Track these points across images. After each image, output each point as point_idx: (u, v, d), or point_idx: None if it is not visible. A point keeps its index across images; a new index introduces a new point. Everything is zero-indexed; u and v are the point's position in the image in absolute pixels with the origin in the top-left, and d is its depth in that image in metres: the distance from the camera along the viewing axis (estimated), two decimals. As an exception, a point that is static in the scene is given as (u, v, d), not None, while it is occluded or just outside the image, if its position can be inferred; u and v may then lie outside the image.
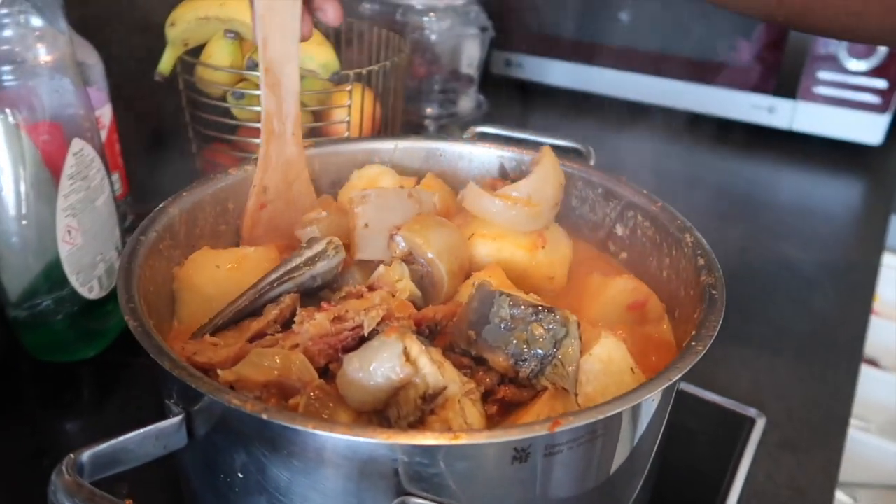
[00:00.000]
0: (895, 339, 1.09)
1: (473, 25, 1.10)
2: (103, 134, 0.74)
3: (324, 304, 0.44)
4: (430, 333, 0.46)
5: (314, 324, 0.42)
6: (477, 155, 0.67)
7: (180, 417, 0.38)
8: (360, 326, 0.43)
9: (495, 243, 0.55)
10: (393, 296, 0.45)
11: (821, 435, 0.67)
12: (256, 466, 0.37)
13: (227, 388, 0.35)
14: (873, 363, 1.06)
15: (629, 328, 0.49)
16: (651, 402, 0.39)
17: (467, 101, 1.15)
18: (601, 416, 0.34)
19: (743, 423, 0.66)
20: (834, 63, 1.17)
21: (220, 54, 0.81)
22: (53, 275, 0.62)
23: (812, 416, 0.69)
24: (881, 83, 1.15)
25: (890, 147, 1.27)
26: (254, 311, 0.46)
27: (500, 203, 0.55)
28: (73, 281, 0.63)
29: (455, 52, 1.10)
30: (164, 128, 0.94)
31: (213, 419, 0.38)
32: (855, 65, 1.15)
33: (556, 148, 0.65)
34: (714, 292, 0.45)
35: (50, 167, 0.60)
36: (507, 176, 0.67)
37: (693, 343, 0.40)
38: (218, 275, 0.51)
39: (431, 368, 0.37)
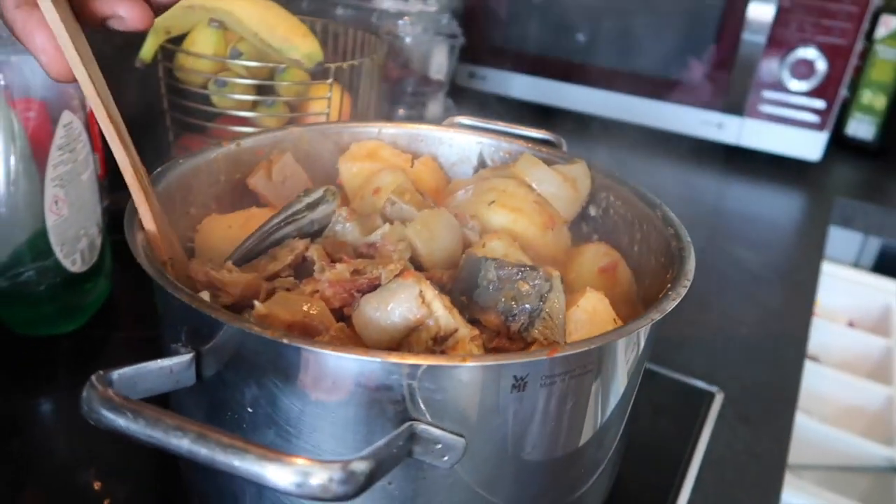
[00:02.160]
0: (834, 339, 1.17)
1: (444, 32, 1.15)
2: (87, 110, 0.75)
3: (344, 258, 0.47)
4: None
5: (335, 272, 0.44)
6: (457, 141, 0.70)
7: (191, 355, 0.40)
8: (378, 278, 0.45)
9: (512, 214, 0.57)
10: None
11: (773, 409, 0.72)
12: (267, 399, 0.39)
13: (246, 318, 0.37)
14: (814, 359, 1.14)
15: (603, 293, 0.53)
16: (633, 340, 0.42)
17: (436, 106, 1.19)
18: (593, 346, 0.38)
19: (703, 398, 0.71)
20: (778, 83, 1.25)
21: (203, 43, 0.83)
22: (38, 244, 0.62)
23: (764, 393, 0.74)
24: (820, 103, 1.24)
25: (828, 163, 1.36)
26: (259, 252, 0.49)
27: (553, 176, 0.60)
28: (58, 252, 0.63)
29: (426, 57, 1.14)
30: (142, 115, 0.95)
31: (225, 355, 0.39)
32: (796, 85, 1.24)
33: (529, 139, 0.70)
34: (684, 254, 0.49)
35: (38, 140, 0.61)
36: (485, 163, 0.71)
37: (670, 292, 0.44)
38: (231, 233, 0.53)
39: (444, 312, 0.40)
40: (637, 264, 0.58)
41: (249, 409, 0.39)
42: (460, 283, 0.47)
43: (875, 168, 1.43)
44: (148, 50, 0.85)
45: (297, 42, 0.81)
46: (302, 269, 0.47)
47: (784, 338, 0.85)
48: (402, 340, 0.40)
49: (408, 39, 1.09)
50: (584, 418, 0.43)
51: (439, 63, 1.17)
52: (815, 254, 1.08)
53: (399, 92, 1.14)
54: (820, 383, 1.04)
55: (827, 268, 1.26)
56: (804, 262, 1.05)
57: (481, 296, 0.45)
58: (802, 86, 1.24)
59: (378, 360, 0.35)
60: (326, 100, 0.87)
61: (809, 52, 1.21)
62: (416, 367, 0.35)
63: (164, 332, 0.44)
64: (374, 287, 0.43)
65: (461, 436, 0.38)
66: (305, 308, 0.41)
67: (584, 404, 0.42)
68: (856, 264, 1.41)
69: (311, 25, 0.98)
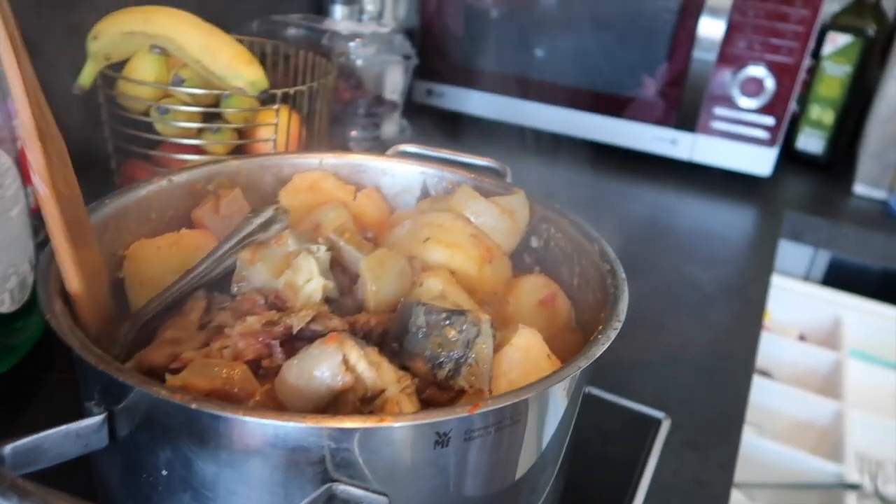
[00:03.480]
0: (785, 353, 1.18)
1: (397, 53, 1.14)
2: (18, 145, 0.73)
3: (256, 309, 0.46)
4: (364, 337, 0.47)
5: (245, 325, 0.43)
6: (400, 171, 0.69)
7: (102, 416, 0.38)
8: (291, 327, 0.44)
9: (448, 250, 0.56)
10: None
11: (719, 434, 0.73)
12: (182, 462, 0.37)
13: (155, 381, 0.36)
14: (766, 374, 1.15)
15: (541, 328, 0.52)
16: (561, 388, 0.42)
17: (391, 126, 1.19)
18: (517, 399, 0.37)
19: (650, 425, 0.71)
20: (728, 100, 1.27)
21: (145, 69, 0.81)
22: (-38, 285, 0.60)
23: (712, 418, 0.75)
24: (769, 120, 1.26)
25: (778, 178, 1.39)
26: (211, 279, 0.48)
27: (491, 208, 0.59)
28: (-16, 292, 0.61)
29: (379, 78, 1.13)
30: (82, 143, 0.93)
31: (137, 416, 0.38)
32: (746, 102, 1.26)
33: (474, 167, 0.69)
34: (618, 292, 0.49)
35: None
36: (428, 193, 0.70)
37: (599, 336, 0.43)
38: (161, 254, 0.52)
39: (370, 373, 0.39)
40: (576, 297, 0.58)
41: (164, 472, 0.38)
42: (394, 328, 0.47)
43: (824, 181, 1.45)
44: (87, 76, 0.83)
45: (240, 69, 0.79)
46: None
47: (733, 359, 0.86)
48: (329, 404, 0.39)
49: (359, 62, 1.08)
50: (516, 465, 0.43)
51: (393, 83, 1.17)
52: (765, 270, 1.10)
53: (352, 113, 1.13)
54: (771, 398, 1.05)
55: (778, 281, 1.28)
56: (754, 279, 1.06)
57: (411, 342, 0.44)
58: (752, 103, 1.26)
59: (292, 424, 0.34)
60: (273, 126, 0.85)
61: (758, 71, 1.23)
62: (334, 429, 0.34)
63: (80, 388, 0.42)
64: (289, 333, 0.42)
65: (384, 494, 0.37)
66: (225, 373, 0.39)
67: (514, 453, 0.42)
68: (806, 277, 1.43)
69: (260, 47, 0.97)
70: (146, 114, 0.83)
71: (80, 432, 0.37)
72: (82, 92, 0.83)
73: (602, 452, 0.67)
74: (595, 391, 0.74)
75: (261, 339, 0.42)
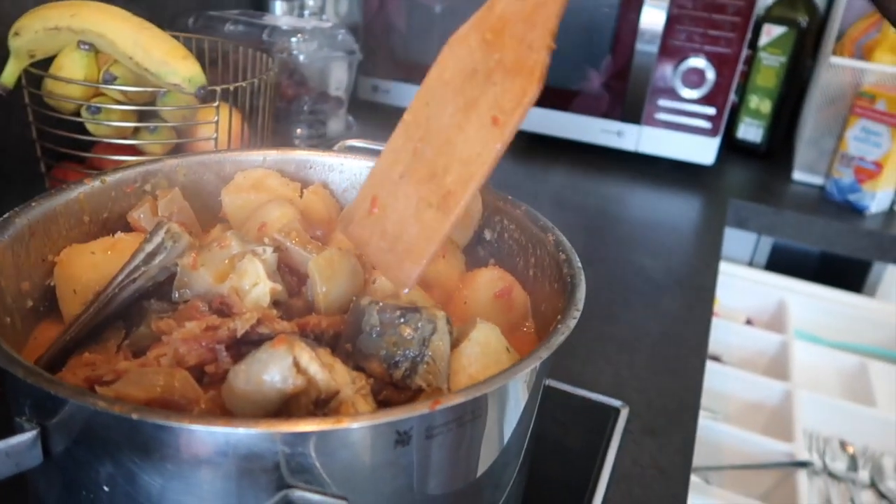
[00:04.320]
0: (733, 337, 1.21)
1: (341, 49, 1.12)
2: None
3: (199, 317, 0.43)
4: (316, 339, 0.45)
5: (185, 331, 0.41)
6: (348, 167, 0.68)
7: (34, 433, 0.35)
8: (235, 330, 0.42)
9: None
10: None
11: (676, 421, 0.73)
12: (125, 477, 0.35)
13: (91, 392, 0.33)
14: (716, 359, 1.17)
15: (498, 322, 0.52)
16: (522, 381, 0.41)
17: (337, 123, 1.16)
18: (477, 395, 0.36)
19: (609, 414, 0.71)
20: (671, 92, 1.29)
21: (72, 67, 0.77)
22: None
23: (668, 405, 0.75)
24: (711, 110, 1.28)
25: (721, 167, 1.42)
26: (106, 320, 0.44)
27: None
28: None
29: (323, 74, 1.11)
30: (11, 145, 0.88)
31: (74, 430, 0.35)
32: (688, 93, 1.28)
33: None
34: (575, 281, 0.48)
35: None
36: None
37: (559, 326, 0.43)
38: (95, 260, 0.49)
39: (323, 375, 0.37)
40: (533, 288, 0.57)
41: (106, 488, 0.36)
42: (347, 329, 0.45)
43: (764, 169, 1.49)
44: (9, 74, 0.78)
45: (176, 65, 0.76)
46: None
47: (686, 346, 0.87)
48: (281, 409, 0.37)
49: (302, 58, 1.05)
50: (478, 461, 0.41)
51: (337, 79, 1.14)
52: (713, 258, 1.12)
53: (296, 111, 1.10)
54: (722, 382, 1.08)
55: (725, 267, 1.30)
56: (703, 266, 1.08)
57: (365, 342, 0.42)
58: (694, 94, 1.28)
59: (243, 430, 0.32)
60: (214, 124, 0.82)
61: (699, 62, 1.25)
62: (288, 434, 0.33)
63: (9, 403, 0.39)
64: (234, 337, 0.40)
65: (343, 498, 0.35)
66: (163, 382, 0.37)
67: (476, 448, 0.40)
68: (750, 263, 1.47)
69: (197, 44, 0.93)
70: (77, 114, 0.79)
71: (10, 451, 0.34)
72: (6, 91, 0.79)
73: (562, 443, 0.67)
74: (553, 383, 0.74)
75: (204, 343, 0.39)
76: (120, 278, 0.45)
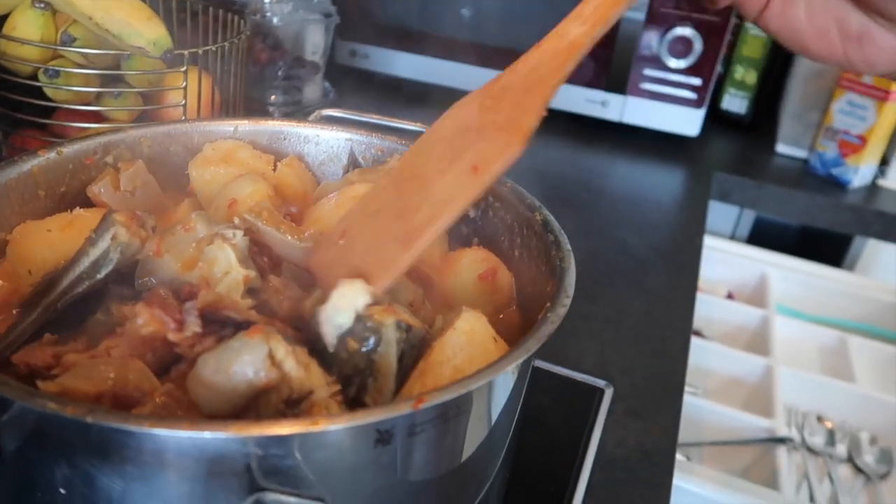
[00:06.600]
0: (714, 311, 1.20)
1: (317, 11, 1.07)
2: None
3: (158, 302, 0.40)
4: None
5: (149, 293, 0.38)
6: (325, 138, 0.64)
7: (-17, 431, 0.33)
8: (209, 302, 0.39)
9: None
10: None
11: (661, 402, 0.72)
12: (82, 479, 0.32)
13: (40, 392, 0.30)
14: (698, 333, 1.17)
15: (482, 305, 0.49)
16: (510, 374, 0.39)
17: (313, 89, 1.12)
18: (462, 392, 0.34)
19: (593, 394, 0.69)
20: (657, 61, 1.26)
21: (27, 27, 0.72)
22: None
23: (652, 385, 0.74)
24: (697, 80, 1.26)
25: (706, 138, 1.40)
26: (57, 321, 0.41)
27: None
28: None
29: (299, 37, 1.06)
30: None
31: (25, 430, 0.32)
32: (675, 63, 1.25)
33: (404, 132, 0.65)
34: (564, 266, 0.46)
35: None
36: (356, 162, 0.65)
37: (548, 314, 0.40)
38: (51, 238, 0.46)
39: (298, 372, 0.34)
40: (518, 270, 0.55)
41: (62, 491, 0.33)
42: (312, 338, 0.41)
43: (748, 141, 1.48)
44: (-41, 35, 0.73)
45: (139, 27, 0.71)
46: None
47: (670, 326, 0.86)
48: (249, 405, 0.35)
49: (276, 20, 1.00)
50: (462, 451, 0.39)
51: (314, 43, 1.10)
52: (697, 234, 1.10)
53: (271, 76, 1.05)
54: (704, 357, 1.07)
55: (707, 241, 1.29)
56: (687, 243, 1.07)
57: (324, 358, 0.39)
58: (680, 63, 1.25)
59: (210, 434, 0.29)
60: (182, 90, 0.78)
61: (686, 31, 1.22)
62: (259, 437, 0.30)
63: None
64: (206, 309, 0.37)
65: (321, 499, 0.33)
66: (114, 374, 0.34)
67: (460, 443, 0.38)
68: (732, 237, 1.46)
69: (165, 3, 0.88)
70: (34, 77, 0.74)
71: (-45, 454, 0.31)
72: (-44, 53, 0.73)
73: (546, 425, 0.65)
74: (536, 363, 0.72)
75: (168, 311, 0.36)
76: (63, 285, 0.41)
